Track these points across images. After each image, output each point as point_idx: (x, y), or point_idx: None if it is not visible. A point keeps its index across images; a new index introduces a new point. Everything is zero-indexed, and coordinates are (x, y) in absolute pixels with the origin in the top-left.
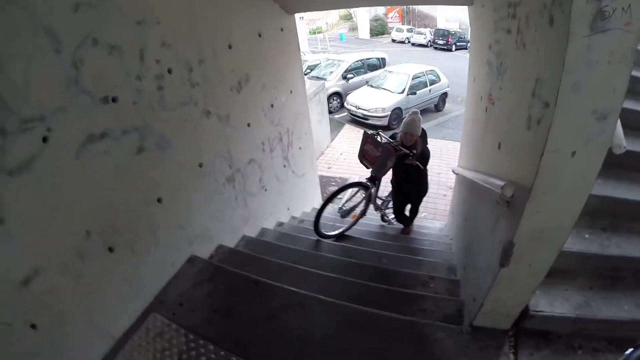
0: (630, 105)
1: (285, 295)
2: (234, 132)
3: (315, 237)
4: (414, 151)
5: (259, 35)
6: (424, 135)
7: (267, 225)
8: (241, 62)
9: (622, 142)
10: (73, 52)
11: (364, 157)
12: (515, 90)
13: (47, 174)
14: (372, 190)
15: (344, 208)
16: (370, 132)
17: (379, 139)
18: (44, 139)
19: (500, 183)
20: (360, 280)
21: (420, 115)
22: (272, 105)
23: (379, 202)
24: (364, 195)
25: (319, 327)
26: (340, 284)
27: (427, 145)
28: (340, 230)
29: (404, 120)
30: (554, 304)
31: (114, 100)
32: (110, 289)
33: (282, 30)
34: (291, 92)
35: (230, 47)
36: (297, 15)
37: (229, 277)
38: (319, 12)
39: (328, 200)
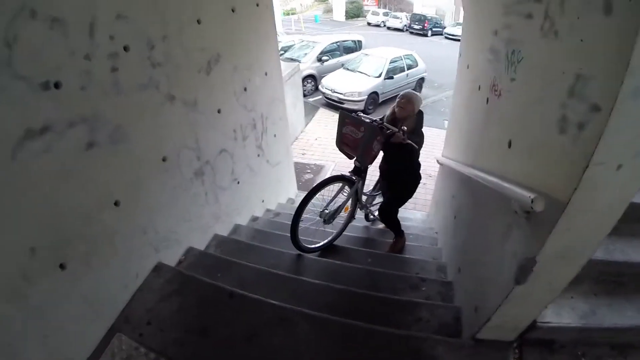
0: None
1: (265, 310)
2: (202, 119)
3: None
4: (404, 128)
5: (232, 11)
6: (420, 116)
7: (240, 221)
8: (211, 40)
9: None
10: (5, 27)
11: (343, 142)
12: (536, 83)
13: None
14: (359, 185)
15: (327, 211)
16: (348, 111)
17: (361, 117)
18: None
19: (528, 194)
20: (347, 287)
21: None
22: (245, 89)
23: (363, 198)
24: (348, 192)
25: (306, 348)
26: (325, 291)
27: (423, 130)
28: (328, 239)
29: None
30: (561, 314)
31: (56, 85)
32: (67, 310)
33: (257, 5)
34: (266, 74)
35: (199, 22)
36: None
37: (200, 289)
38: None
39: (304, 203)
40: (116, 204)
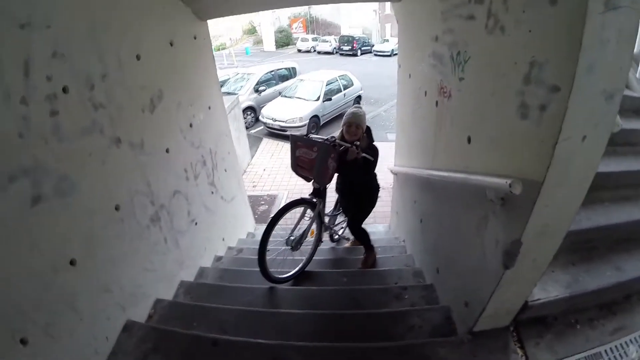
0: None
1: (254, 352)
2: (151, 160)
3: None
4: (357, 143)
5: (171, 44)
6: (368, 131)
7: (204, 264)
8: (152, 76)
9: (618, 120)
10: None
11: (298, 165)
12: (488, 78)
13: None
14: (320, 206)
15: (292, 238)
16: (298, 134)
17: (312, 137)
18: None
19: (504, 180)
20: (331, 310)
21: (364, 110)
22: (190, 125)
23: (326, 219)
24: (311, 214)
25: None
26: (309, 320)
27: (374, 144)
28: (299, 267)
29: (345, 113)
30: (547, 289)
31: None
32: None
33: (195, 38)
34: (209, 108)
35: (138, 57)
36: None
37: (179, 342)
38: (221, 27)
39: (268, 232)
40: (72, 263)
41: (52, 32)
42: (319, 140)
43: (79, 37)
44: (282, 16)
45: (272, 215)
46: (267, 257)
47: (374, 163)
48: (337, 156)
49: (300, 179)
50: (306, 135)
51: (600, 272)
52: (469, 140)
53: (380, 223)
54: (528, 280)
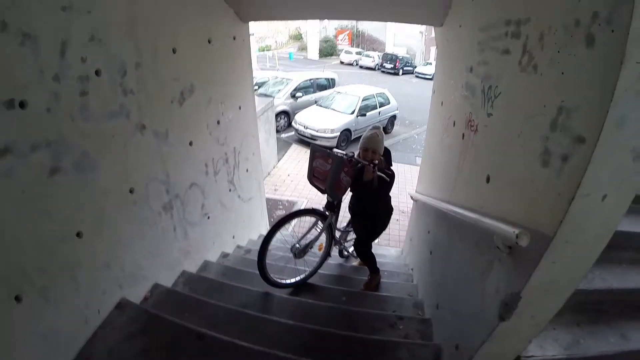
0: None
1: (237, 353)
2: (173, 151)
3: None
4: (376, 161)
5: (209, 42)
6: (387, 154)
7: (210, 257)
8: (186, 70)
9: None
10: None
11: (314, 175)
12: (515, 117)
13: None
14: (332, 220)
15: (297, 246)
16: (319, 145)
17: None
18: None
19: (512, 229)
20: (323, 327)
21: (382, 131)
22: (218, 122)
23: (337, 233)
24: (321, 227)
25: None
26: (299, 332)
27: (392, 167)
28: (302, 276)
29: (363, 135)
30: (544, 346)
31: (21, 105)
32: (22, 347)
33: (234, 38)
34: (240, 108)
35: (174, 51)
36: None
37: (167, 329)
38: (268, 30)
39: (272, 232)
40: (79, 235)
41: (92, 18)
42: (337, 152)
43: (118, 25)
44: (329, 26)
45: (280, 217)
46: (271, 262)
47: (389, 184)
48: (353, 172)
49: None
50: (329, 149)
51: (604, 337)
52: (487, 179)
53: (393, 247)
54: (523, 335)
